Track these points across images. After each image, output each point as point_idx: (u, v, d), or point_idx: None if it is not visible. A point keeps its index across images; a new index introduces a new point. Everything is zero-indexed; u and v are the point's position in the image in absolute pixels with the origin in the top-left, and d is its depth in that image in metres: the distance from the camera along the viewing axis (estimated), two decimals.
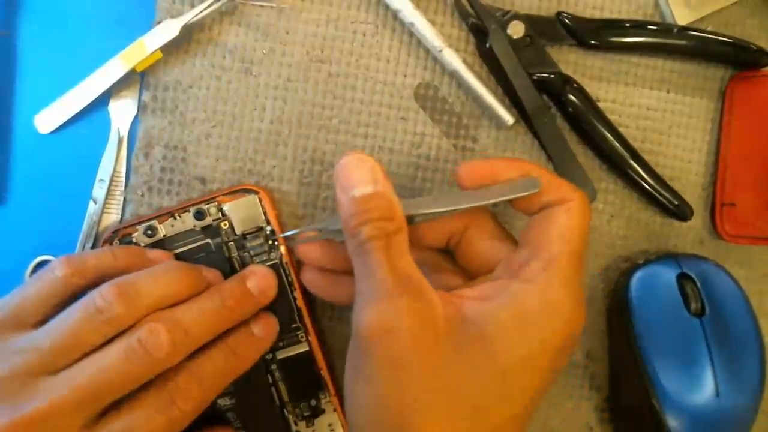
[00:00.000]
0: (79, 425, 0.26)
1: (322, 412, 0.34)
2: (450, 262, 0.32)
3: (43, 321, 0.28)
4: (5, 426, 0.25)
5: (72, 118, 0.34)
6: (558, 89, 0.35)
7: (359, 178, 0.27)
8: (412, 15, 0.34)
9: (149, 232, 0.33)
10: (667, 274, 0.34)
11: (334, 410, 0.34)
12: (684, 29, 0.35)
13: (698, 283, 0.34)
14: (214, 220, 0.33)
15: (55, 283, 0.29)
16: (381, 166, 0.27)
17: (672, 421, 0.32)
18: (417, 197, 0.29)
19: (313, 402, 0.34)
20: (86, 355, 0.27)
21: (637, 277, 0.34)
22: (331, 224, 0.29)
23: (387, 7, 0.34)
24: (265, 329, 0.32)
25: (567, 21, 0.35)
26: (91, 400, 0.26)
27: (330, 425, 0.34)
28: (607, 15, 0.36)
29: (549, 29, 0.35)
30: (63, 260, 0.29)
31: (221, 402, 0.33)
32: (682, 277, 0.34)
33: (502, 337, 0.25)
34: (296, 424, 0.34)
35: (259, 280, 0.31)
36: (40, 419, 0.25)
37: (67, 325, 0.27)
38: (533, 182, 0.28)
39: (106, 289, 0.28)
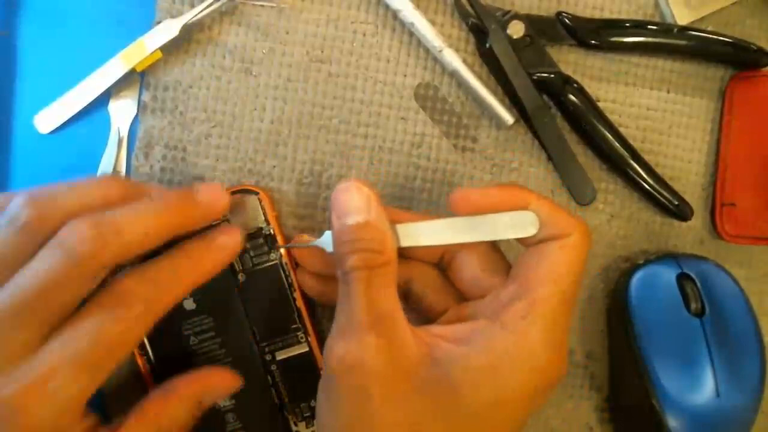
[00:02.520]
0: (22, 339, 0.25)
1: None
2: (443, 278, 0.32)
3: None
4: None
5: (72, 118, 0.34)
6: (558, 89, 0.35)
7: (354, 206, 0.27)
8: (412, 15, 0.34)
9: None
10: (667, 274, 0.34)
11: None
12: (684, 29, 0.35)
13: (698, 283, 0.34)
14: (213, 221, 0.33)
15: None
16: (377, 197, 0.27)
17: (672, 421, 0.32)
18: (416, 222, 0.29)
19: (313, 403, 0.34)
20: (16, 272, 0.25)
21: (637, 277, 0.34)
22: (322, 244, 0.29)
23: (387, 7, 0.34)
24: (225, 236, 0.30)
25: (567, 21, 0.35)
26: (30, 312, 0.25)
27: None
28: (607, 15, 0.36)
29: (549, 29, 0.35)
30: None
31: (221, 402, 0.33)
32: (682, 277, 0.34)
33: (469, 384, 0.25)
34: (296, 425, 0.34)
35: (207, 190, 0.29)
36: None
37: None
38: (531, 219, 0.27)
39: (15, 199, 0.26)
